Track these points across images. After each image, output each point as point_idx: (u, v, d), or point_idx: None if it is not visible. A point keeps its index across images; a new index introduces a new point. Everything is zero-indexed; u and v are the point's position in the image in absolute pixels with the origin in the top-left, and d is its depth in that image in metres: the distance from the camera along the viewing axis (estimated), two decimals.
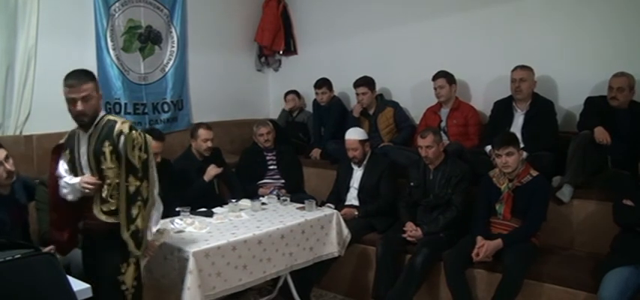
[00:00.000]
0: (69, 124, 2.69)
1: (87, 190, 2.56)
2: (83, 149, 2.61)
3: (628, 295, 2.78)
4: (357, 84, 4.73)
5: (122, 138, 2.56)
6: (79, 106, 2.52)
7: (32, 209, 3.35)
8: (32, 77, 3.98)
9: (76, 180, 2.60)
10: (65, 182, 2.64)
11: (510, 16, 4.33)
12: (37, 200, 3.34)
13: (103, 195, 2.59)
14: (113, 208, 2.58)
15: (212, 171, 4.18)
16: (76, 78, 2.54)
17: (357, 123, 4.67)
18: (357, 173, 4.27)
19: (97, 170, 2.58)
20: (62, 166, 2.68)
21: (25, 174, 3.61)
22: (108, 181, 2.58)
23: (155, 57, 4.90)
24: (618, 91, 3.61)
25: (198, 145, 4.21)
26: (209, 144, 4.22)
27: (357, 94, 4.76)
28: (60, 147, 2.73)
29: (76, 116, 2.56)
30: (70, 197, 2.63)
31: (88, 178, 2.57)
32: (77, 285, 2.22)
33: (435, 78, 4.42)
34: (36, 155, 3.96)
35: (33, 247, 2.23)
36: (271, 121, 5.09)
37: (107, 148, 2.55)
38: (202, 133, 4.22)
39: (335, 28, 5.45)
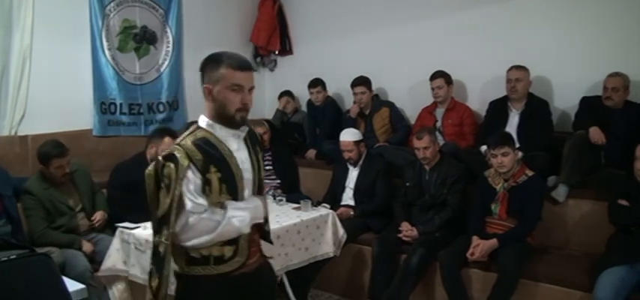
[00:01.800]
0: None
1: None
2: (242, 156, 1.94)
3: (623, 295, 2.79)
4: (355, 83, 4.73)
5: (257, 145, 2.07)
6: (249, 97, 1.91)
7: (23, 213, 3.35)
8: (27, 77, 3.97)
9: (255, 202, 1.96)
10: (242, 213, 1.87)
11: (506, 16, 4.34)
12: (25, 207, 3.33)
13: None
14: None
15: None
16: (248, 63, 1.94)
17: (352, 123, 4.67)
18: (353, 173, 4.27)
19: (259, 182, 2.02)
20: (196, 196, 1.82)
21: (20, 175, 3.61)
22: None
23: (150, 57, 4.89)
24: (613, 91, 3.63)
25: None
26: None
27: (355, 94, 4.75)
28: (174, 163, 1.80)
29: (240, 109, 1.88)
30: (246, 230, 1.89)
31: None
32: (72, 285, 2.21)
33: (432, 78, 4.42)
34: (31, 156, 3.91)
35: (28, 248, 2.22)
36: (267, 121, 5.09)
37: (260, 155, 2.06)
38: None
39: (331, 28, 5.44)
